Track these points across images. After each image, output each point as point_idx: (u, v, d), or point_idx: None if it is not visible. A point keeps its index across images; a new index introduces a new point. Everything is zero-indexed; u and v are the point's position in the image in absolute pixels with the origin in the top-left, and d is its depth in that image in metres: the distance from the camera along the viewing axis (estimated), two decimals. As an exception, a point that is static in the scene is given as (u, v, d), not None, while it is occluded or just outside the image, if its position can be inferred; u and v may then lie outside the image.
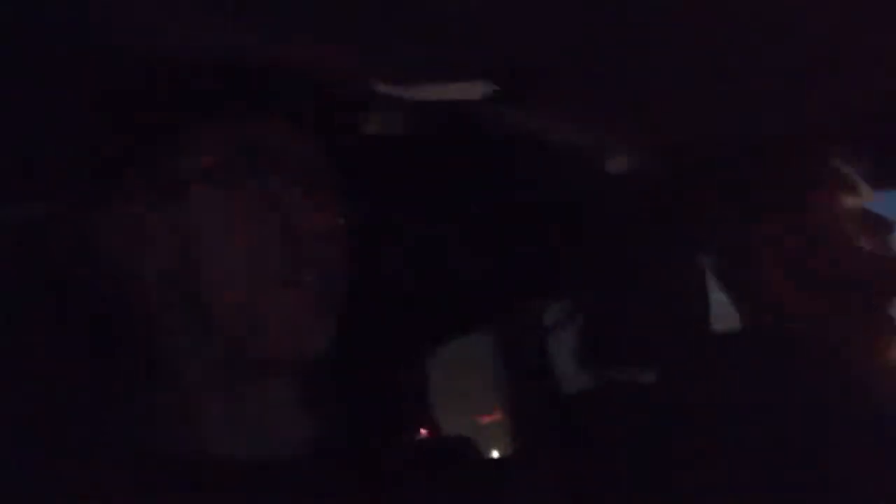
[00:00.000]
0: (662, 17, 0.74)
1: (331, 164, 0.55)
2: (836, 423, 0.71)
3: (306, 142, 0.54)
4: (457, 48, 0.80)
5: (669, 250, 0.97)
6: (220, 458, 0.48)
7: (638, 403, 0.90)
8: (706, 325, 0.93)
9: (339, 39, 0.77)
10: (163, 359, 0.51)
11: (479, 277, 1.66)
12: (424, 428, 1.55)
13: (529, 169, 1.10)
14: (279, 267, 0.49)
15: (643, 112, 0.99)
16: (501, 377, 1.80)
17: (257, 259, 0.49)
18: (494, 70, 0.83)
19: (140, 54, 0.67)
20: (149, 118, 0.54)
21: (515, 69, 0.84)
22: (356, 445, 0.56)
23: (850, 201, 0.79)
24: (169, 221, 0.51)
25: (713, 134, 0.94)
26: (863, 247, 0.77)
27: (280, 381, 0.52)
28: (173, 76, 0.58)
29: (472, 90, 0.86)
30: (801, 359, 0.76)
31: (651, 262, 1.05)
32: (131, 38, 0.66)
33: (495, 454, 1.95)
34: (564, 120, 0.99)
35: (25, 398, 0.51)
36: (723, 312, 0.91)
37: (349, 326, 0.54)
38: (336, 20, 0.74)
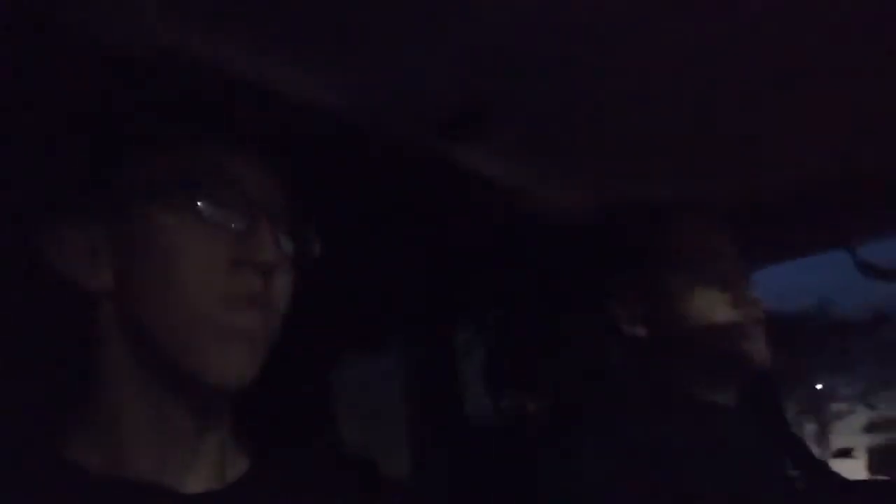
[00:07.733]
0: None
1: (279, 194, 0.56)
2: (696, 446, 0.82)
3: (256, 170, 0.54)
4: (410, 86, 0.84)
5: (576, 295, 1.05)
6: (144, 480, 0.49)
7: (532, 431, 0.98)
8: (600, 363, 1.02)
9: (295, 70, 0.80)
10: (95, 377, 0.52)
11: (396, 298, 1.71)
12: (334, 447, 1.58)
13: (455, 201, 1.16)
14: (220, 294, 0.50)
15: (578, 164, 1.08)
16: (409, 397, 1.85)
17: (197, 284, 0.49)
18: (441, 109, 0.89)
19: (94, 71, 0.68)
20: (100, 136, 0.54)
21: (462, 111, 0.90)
22: (268, 463, 0.59)
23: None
24: (112, 239, 0.51)
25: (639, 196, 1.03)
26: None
27: (208, 405, 0.52)
28: (128, 95, 0.60)
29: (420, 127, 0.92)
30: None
31: (559, 304, 1.14)
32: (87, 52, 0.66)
33: (399, 473, 1.99)
34: (502, 161, 1.05)
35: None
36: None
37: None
38: (291, 50, 0.78)
